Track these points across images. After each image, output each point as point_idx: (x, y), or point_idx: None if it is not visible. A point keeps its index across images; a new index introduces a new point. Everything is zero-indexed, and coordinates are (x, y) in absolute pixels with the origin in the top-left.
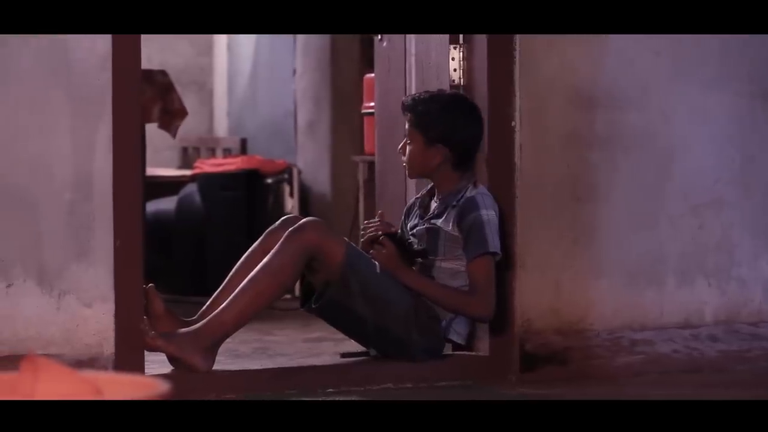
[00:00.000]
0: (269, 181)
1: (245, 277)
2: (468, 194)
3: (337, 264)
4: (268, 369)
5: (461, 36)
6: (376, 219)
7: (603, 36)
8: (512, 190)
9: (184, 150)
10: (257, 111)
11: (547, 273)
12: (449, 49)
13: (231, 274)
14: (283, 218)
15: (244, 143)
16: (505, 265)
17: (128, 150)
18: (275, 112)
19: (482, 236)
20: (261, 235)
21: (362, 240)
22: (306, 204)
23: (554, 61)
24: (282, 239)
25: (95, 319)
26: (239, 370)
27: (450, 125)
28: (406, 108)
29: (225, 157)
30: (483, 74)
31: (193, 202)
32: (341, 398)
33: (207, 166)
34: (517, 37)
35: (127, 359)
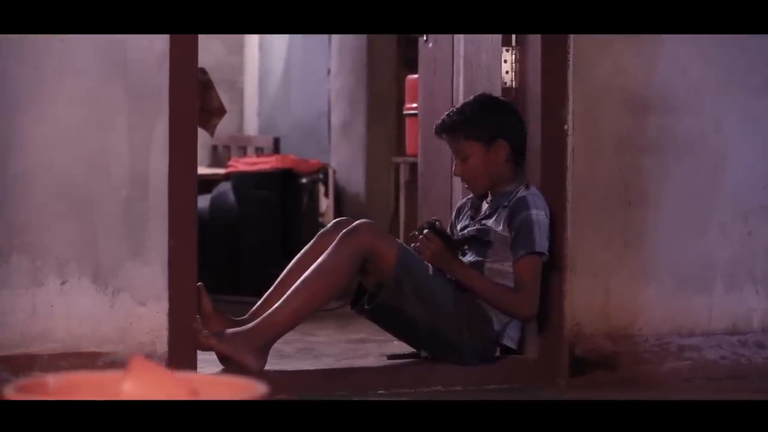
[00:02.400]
0: (304, 180)
1: (298, 278)
2: (519, 195)
3: (389, 266)
4: (319, 370)
5: (514, 38)
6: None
7: (656, 40)
8: (564, 193)
9: (215, 148)
10: (289, 111)
11: (597, 277)
12: (501, 51)
13: (283, 274)
14: (335, 220)
15: (276, 142)
16: (555, 267)
17: (184, 149)
18: (308, 113)
19: (530, 236)
20: (295, 234)
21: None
22: (340, 204)
23: (607, 64)
24: (335, 241)
25: (149, 317)
26: (290, 371)
27: (497, 118)
28: (444, 130)
29: (258, 156)
30: (536, 76)
31: (226, 200)
32: (392, 399)
33: (241, 164)
34: (571, 39)
35: (181, 358)
